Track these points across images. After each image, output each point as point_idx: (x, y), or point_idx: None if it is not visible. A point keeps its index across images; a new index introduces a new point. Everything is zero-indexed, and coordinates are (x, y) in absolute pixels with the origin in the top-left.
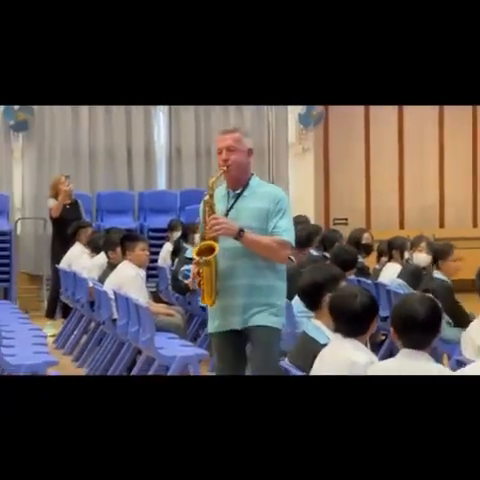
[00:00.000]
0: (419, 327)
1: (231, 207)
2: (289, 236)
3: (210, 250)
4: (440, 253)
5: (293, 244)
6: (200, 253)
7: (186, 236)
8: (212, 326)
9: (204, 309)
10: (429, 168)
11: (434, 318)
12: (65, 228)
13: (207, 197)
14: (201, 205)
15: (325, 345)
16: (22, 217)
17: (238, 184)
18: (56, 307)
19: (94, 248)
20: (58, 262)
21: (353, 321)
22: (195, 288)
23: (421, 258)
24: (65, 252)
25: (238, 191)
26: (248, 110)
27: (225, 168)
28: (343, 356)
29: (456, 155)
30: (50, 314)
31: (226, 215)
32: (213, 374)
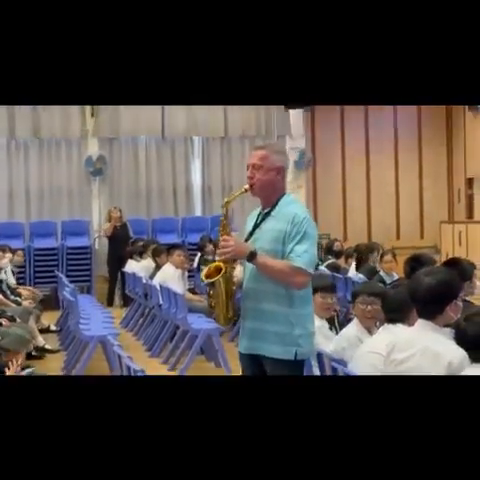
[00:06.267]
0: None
1: (257, 226)
2: (302, 262)
3: (218, 271)
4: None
5: (309, 270)
6: (209, 275)
7: (204, 248)
8: (240, 345)
9: None
10: (383, 195)
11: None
12: (116, 243)
13: (222, 217)
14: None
15: None
16: (98, 236)
17: (268, 203)
18: (113, 298)
19: (140, 255)
20: (113, 268)
21: None
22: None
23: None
24: (117, 260)
25: (267, 210)
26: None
27: (247, 186)
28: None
29: (405, 185)
30: (110, 303)
31: (251, 234)
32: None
